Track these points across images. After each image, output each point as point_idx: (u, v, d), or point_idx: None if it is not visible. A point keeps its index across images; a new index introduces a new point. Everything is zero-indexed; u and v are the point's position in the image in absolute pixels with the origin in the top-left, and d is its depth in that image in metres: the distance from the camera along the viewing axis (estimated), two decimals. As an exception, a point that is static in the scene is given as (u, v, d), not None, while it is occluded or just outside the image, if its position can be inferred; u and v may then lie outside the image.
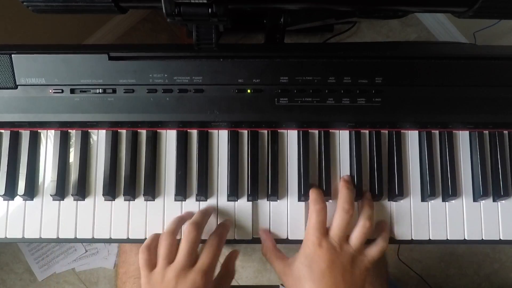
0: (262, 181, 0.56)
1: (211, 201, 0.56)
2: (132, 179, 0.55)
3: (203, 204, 0.56)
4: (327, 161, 0.56)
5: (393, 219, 0.56)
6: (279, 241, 0.55)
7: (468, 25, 1.27)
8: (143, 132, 0.56)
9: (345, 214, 0.51)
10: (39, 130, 0.57)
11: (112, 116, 0.53)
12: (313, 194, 0.53)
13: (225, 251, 0.54)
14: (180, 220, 0.53)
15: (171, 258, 0.48)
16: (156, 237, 0.51)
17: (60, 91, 0.53)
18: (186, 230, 0.49)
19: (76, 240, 0.55)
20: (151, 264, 0.48)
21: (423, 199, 0.56)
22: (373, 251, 0.52)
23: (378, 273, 0.70)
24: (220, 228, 0.53)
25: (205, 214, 0.53)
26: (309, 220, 0.52)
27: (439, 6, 0.48)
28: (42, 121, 0.54)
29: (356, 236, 0.51)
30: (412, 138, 0.57)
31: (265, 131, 0.57)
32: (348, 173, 0.56)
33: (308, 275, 0.49)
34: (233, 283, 1.43)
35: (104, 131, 0.56)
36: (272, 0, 0.48)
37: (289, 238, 0.55)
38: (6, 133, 0.56)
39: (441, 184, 0.56)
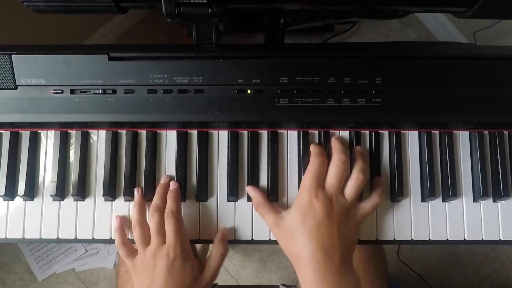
0: (262, 181, 0.56)
1: (211, 201, 0.56)
2: (132, 179, 0.55)
3: (203, 204, 0.56)
4: (327, 161, 0.56)
5: (393, 219, 0.56)
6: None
7: (468, 25, 1.27)
8: (143, 133, 0.56)
9: (341, 164, 0.51)
10: (39, 131, 0.57)
11: (112, 117, 0.53)
12: (314, 148, 0.53)
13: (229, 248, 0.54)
14: (141, 207, 0.54)
15: (146, 243, 0.52)
16: (121, 230, 0.54)
17: (60, 91, 0.53)
18: (149, 215, 0.53)
19: (76, 241, 0.55)
20: (132, 253, 0.53)
21: (423, 199, 0.56)
22: (367, 205, 0.52)
23: (378, 273, 0.70)
24: (169, 201, 0.53)
25: (163, 193, 0.54)
26: (308, 170, 0.52)
27: (439, 6, 0.48)
28: (42, 122, 0.54)
29: (350, 188, 0.51)
30: (412, 138, 0.57)
31: (265, 132, 0.57)
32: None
33: (302, 227, 0.49)
34: (233, 283, 1.43)
35: (104, 131, 0.56)
36: (272, 0, 0.48)
37: (289, 238, 0.55)
38: (6, 134, 0.56)
39: (441, 184, 0.56)
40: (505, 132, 0.57)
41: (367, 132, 0.57)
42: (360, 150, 0.55)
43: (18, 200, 0.56)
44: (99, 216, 0.55)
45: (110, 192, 0.55)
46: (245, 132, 0.57)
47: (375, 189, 0.53)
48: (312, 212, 0.49)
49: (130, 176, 0.55)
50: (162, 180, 0.55)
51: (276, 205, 0.54)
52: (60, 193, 0.55)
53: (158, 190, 0.54)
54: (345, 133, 0.57)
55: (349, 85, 0.53)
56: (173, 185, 0.54)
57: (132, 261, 0.53)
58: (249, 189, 0.55)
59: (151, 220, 0.52)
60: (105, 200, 0.56)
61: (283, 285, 0.83)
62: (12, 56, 0.52)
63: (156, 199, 0.53)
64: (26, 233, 0.55)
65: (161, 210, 0.52)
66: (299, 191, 0.52)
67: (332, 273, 0.48)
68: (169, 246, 0.50)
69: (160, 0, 0.42)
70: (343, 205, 0.50)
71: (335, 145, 0.53)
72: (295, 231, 0.49)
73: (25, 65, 0.52)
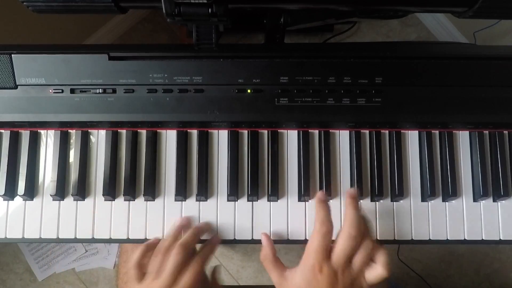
0: (262, 181, 0.56)
1: (211, 201, 0.56)
2: (132, 179, 0.55)
3: (203, 204, 0.56)
4: (327, 161, 0.56)
5: (393, 219, 0.56)
6: (279, 241, 0.55)
7: (468, 25, 1.27)
8: (143, 132, 0.56)
9: (351, 241, 0.48)
10: (39, 130, 0.57)
11: (112, 116, 0.53)
12: (320, 211, 0.50)
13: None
14: (177, 233, 0.53)
15: (159, 274, 0.49)
16: (146, 251, 0.52)
17: (60, 91, 0.53)
18: (174, 250, 0.50)
19: (76, 240, 0.55)
20: (141, 277, 0.51)
21: (423, 199, 0.56)
22: (373, 276, 0.49)
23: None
24: (207, 248, 0.53)
25: (196, 234, 0.53)
26: (312, 240, 0.49)
27: (439, 6, 0.48)
28: (42, 121, 0.54)
29: (359, 260, 0.48)
30: (412, 138, 0.57)
31: (265, 131, 0.57)
32: (348, 173, 0.56)
33: None
34: (233, 283, 1.43)
35: (104, 131, 0.56)
36: (272, 0, 0.48)
37: (289, 238, 0.55)
38: (6, 133, 0.56)
39: (441, 184, 0.56)
40: (505, 132, 0.57)
41: (367, 131, 0.57)
42: (358, 206, 0.51)
43: (18, 199, 0.56)
44: (99, 216, 0.55)
45: (110, 192, 0.55)
46: (245, 132, 0.57)
47: (380, 260, 0.49)
48: (316, 285, 0.47)
49: (130, 176, 0.55)
50: (203, 225, 0.54)
51: (276, 205, 0.54)
52: (60, 193, 0.55)
53: (195, 230, 0.52)
54: (345, 133, 0.57)
55: (349, 85, 0.53)
56: (215, 238, 0.54)
57: (137, 284, 0.50)
58: (264, 238, 0.54)
59: (175, 256, 0.49)
60: (105, 200, 0.56)
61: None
62: (12, 55, 0.52)
63: (189, 236, 0.51)
64: (26, 233, 0.55)
65: (188, 250, 0.50)
66: (305, 255, 0.49)
67: None
68: None
69: (160, 0, 0.42)
70: (349, 278, 0.48)
71: (348, 212, 0.49)
72: None
73: (25, 65, 0.52)
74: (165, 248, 0.51)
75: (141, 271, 0.51)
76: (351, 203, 0.50)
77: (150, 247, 0.52)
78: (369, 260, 0.49)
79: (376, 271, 0.49)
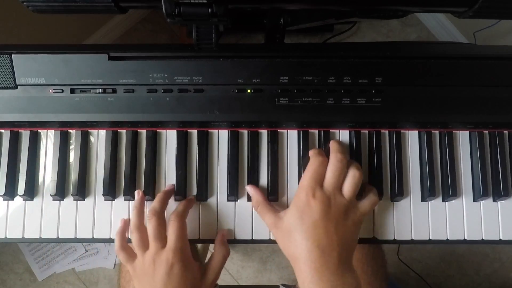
0: (262, 181, 0.56)
1: (211, 201, 0.56)
2: (132, 179, 0.55)
3: (203, 204, 0.56)
4: (327, 161, 0.56)
5: (393, 219, 0.56)
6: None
7: (468, 25, 1.28)
8: (143, 132, 0.57)
9: (338, 163, 0.50)
10: (39, 130, 0.57)
11: (112, 116, 0.53)
12: (314, 149, 0.53)
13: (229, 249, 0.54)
14: (139, 210, 0.53)
15: (145, 247, 0.51)
16: (121, 234, 0.53)
17: (60, 91, 0.53)
18: (147, 219, 0.52)
19: (76, 240, 0.55)
20: (132, 257, 0.52)
21: (423, 199, 0.56)
22: (365, 204, 0.51)
23: (376, 274, 0.70)
24: (180, 206, 0.53)
25: (163, 197, 0.53)
26: (307, 170, 0.51)
27: (439, 6, 0.48)
28: (42, 121, 0.54)
29: (348, 186, 0.51)
30: (412, 138, 0.57)
31: (265, 131, 0.57)
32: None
33: (300, 226, 0.49)
34: (233, 283, 1.43)
35: (104, 131, 0.56)
36: (272, 0, 0.48)
37: (289, 238, 0.55)
38: (6, 133, 0.56)
39: (441, 184, 0.56)
40: (505, 132, 0.57)
41: (367, 131, 0.57)
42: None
43: (18, 199, 0.56)
44: (99, 215, 0.55)
45: (110, 192, 0.55)
46: (245, 132, 0.57)
47: (370, 190, 0.53)
48: (309, 211, 0.49)
49: (130, 176, 0.55)
50: (167, 188, 0.55)
51: (276, 205, 0.55)
52: (60, 193, 0.55)
53: (160, 195, 0.53)
54: (345, 133, 0.57)
55: (349, 85, 0.53)
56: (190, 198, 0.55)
57: (132, 265, 0.52)
58: (249, 188, 0.55)
59: (149, 224, 0.51)
60: (105, 200, 0.56)
61: (283, 285, 0.83)
62: (12, 55, 0.52)
63: (155, 202, 0.53)
64: (26, 232, 0.55)
65: (158, 214, 0.52)
66: (298, 190, 0.52)
67: (329, 272, 0.47)
68: (168, 251, 0.50)
69: (160, 0, 0.42)
70: (342, 204, 0.50)
71: (332, 145, 0.53)
72: (293, 230, 0.49)
73: (25, 65, 0.52)
74: (136, 223, 0.52)
75: (128, 253, 0.53)
76: (333, 141, 0.54)
77: (123, 230, 0.54)
78: (358, 188, 0.51)
79: (369, 198, 0.52)
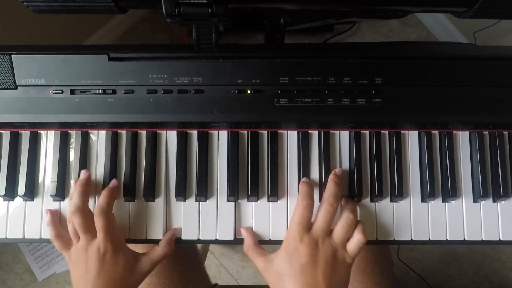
0: (262, 181, 0.56)
1: (211, 202, 0.56)
2: (132, 180, 0.55)
3: (203, 205, 0.56)
4: (327, 161, 0.56)
5: (393, 219, 0.56)
6: (279, 242, 0.55)
7: (468, 25, 1.27)
8: (143, 133, 0.56)
9: (330, 207, 0.51)
10: (39, 131, 0.57)
11: (112, 117, 0.53)
12: (303, 187, 0.52)
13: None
14: (82, 192, 0.53)
15: (85, 232, 0.51)
16: (53, 224, 0.54)
17: (60, 91, 0.53)
18: (71, 214, 0.52)
19: (76, 241, 0.55)
20: (67, 245, 0.53)
21: (423, 200, 0.56)
22: (352, 246, 0.50)
23: (384, 274, 0.70)
24: (102, 198, 0.53)
25: (80, 192, 0.53)
26: (294, 214, 0.51)
27: (439, 6, 0.48)
28: (42, 122, 0.54)
29: (339, 229, 0.50)
30: (412, 138, 0.57)
31: (265, 132, 0.57)
32: (348, 173, 0.56)
33: (288, 271, 0.49)
34: (233, 283, 1.43)
35: (104, 131, 0.56)
36: (272, 0, 0.48)
37: (289, 238, 0.55)
38: (6, 134, 0.56)
39: (441, 185, 0.56)
40: (505, 132, 0.57)
41: (367, 132, 0.57)
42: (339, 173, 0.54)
43: (18, 200, 0.56)
44: (99, 216, 0.55)
45: (110, 192, 0.55)
46: (245, 132, 0.57)
47: (356, 227, 0.51)
48: (297, 255, 0.49)
49: (130, 176, 0.55)
50: (82, 176, 0.55)
51: (275, 206, 0.54)
52: (60, 193, 0.55)
53: (77, 188, 0.53)
54: (345, 133, 0.57)
55: (349, 85, 0.53)
56: (112, 183, 0.55)
57: (68, 252, 0.53)
58: (242, 231, 0.55)
59: (74, 220, 0.51)
60: (105, 200, 0.55)
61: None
62: (12, 56, 0.52)
63: (75, 198, 0.52)
64: (26, 233, 0.55)
65: (81, 209, 0.51)
66: (287, 233, 0.52)
67: None
68: (99, 242, 0.51)
69: (160, 0, 0.42)
70: (330, 248, 0.49)
71: (329, 185, 0.53)
72: (282, 274, 0.49)
73: (25, 65, 0.52)
74: (79, 204, 0.52)
75: (64, 240, 0.53)
76: (333, 178, 0.53)
77: (55, 218, 0.55)
78: (350, 232, 0.51)
79: (354, 238, 0.51)
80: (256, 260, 0.53)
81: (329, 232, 0.51)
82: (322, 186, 0.55)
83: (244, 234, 0.55)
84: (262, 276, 0.53)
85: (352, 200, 0.55)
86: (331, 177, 0.54)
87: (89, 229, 0.51)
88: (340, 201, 0.54)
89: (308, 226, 0.51)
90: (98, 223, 0.51)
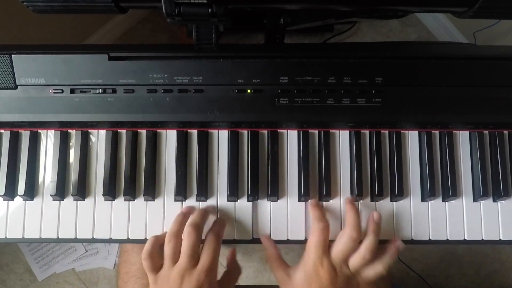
0: (262, 181, 0.56)
1: (211, 201, 0.56)
2: (132, 179, 0.55)
3: (203, 204, 0.56)
4: (327, 161, 0.56)
5: (393, 219, 0.56)
6: (279, 241, 0.55)
7: (468, 25, 1.27)
8: (143, 132, 0.56)
9: (351, 242, 0.50)
10: (39, 130, 0.57)
11: (112, 116, 0.53)
12: (315, 212, 0.53)
13: (225, 250, 0.54)
14: (182, 219, 0.52)
15: (175, 259, 0.50)
16: (155, 241, 0.52)
17: (60, 91, 0.53)
18: (185, 232, 0.50)
19: (76, 240, 0.55)
20: (156, 267, 0.50)
21: (423, 199, 0.56)
22: (369, 273, 0.51)
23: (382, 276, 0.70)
24: (217, 226, 0.53)
25: (204, 214, 0.53)
26: (312, 236, 0.51)
27: (439, 6, 0.48)
28: (42, 121, 0.54)
29: (356, 263, 0.51)
30: (412, 138, 0.57)
31: (265, 131, 0.57)
32: (348, 173, 0.56)
33: None
34: (233, 283, 1.42)
35: (104, 131, 0.56)
36: (272, 0, 0.48)
37: (289, 238, 0.55)
38: (6, 133, 0.56)
39: (441, 184, 0.56)
40: (505, 132, 0.57)
41: (367, 131, 0.57)
42: (377, 219, 0.52)
43: (18, 199, 0.56)
44: (99, 216, 0.55)
45: (110, 192, 0.55)
46: (245, 132, 0.57)
47: (381, 257, 0.51)
48: (318, 280, 0.50)
49: (130, 176, 0.55)
50: (209, 208, 0.55)
51: (275, 206, 0.55)
52: (60, 193, 0.55)
53: (200, 211, 0.53)
54: (345, 133, 0.57)
55: (349, 85, 0.53)
56: (224, 217, 0.55)
57: (155, 276, 0.50)
58: (264, 240, 0.55)
59: (187, 238, 0.49)
60: (105, 200, 0.56)
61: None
62: (12, 56, 0.52)
63: (196, 216, 0.52)
64: (26, 233, 0.55)
65: (200, 230, 0.51)
66: (306, 251, 0.52)
67: None
68: (201, 271, 0.48)
69: (160, 0, 0.42)
70: (347, 276, 0.51)
71: (349, 214, 0.52)
72: None
73: (25, 65, 0.52)
74: (175, 232, 0.51)
75: (154, 262, 0.50)
76: (351, 208, 0.53)
77: (159, 238, 0.52)
78: (365, 265, 0.51)
79: (375, 267, 0.51)
80: (275, 271, 0.54)
81: (347, 260, 0.51)
82: (322, 185, 0.55)
83: (266, 243, 0.55)
84: (279, 286, 0.54)
85: (374, 232, 0.52)
86: (348, 206, 0.53)
87: (196, 254, 0.49)
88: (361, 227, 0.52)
89: (326, 248, 0.51)
90: (210, 249, 0.50)
